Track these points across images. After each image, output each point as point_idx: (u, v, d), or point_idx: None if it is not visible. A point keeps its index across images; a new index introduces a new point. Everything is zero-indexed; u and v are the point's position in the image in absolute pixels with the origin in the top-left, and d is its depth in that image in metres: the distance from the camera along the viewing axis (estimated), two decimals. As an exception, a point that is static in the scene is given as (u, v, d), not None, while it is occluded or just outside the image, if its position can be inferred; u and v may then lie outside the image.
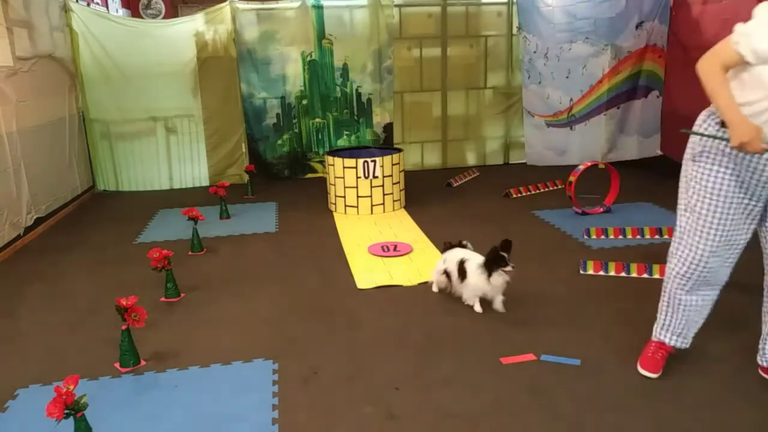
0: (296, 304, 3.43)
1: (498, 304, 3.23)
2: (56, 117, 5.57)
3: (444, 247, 3.59)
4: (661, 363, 2.55)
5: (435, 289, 3.53)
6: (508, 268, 3.08)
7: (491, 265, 3.11)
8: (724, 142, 2.17)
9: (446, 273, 3.37)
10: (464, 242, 3.53)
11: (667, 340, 2.56)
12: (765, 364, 2.47)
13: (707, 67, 2.16)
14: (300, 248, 4.40)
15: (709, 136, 2.20)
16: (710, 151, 2.25)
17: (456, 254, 3.37)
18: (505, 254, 3.08)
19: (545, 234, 4.51)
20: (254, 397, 2.48)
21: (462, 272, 3.24)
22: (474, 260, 3.23)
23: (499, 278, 3.11)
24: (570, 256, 3.96)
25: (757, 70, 2.06)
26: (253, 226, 4.98)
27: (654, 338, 2.59)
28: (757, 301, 3.23)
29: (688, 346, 2.57)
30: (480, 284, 3.16)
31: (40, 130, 5.18)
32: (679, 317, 2.50)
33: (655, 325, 2.60)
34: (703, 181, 2.31)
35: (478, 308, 3.23)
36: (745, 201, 2.24)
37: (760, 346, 2.49)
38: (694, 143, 2.32)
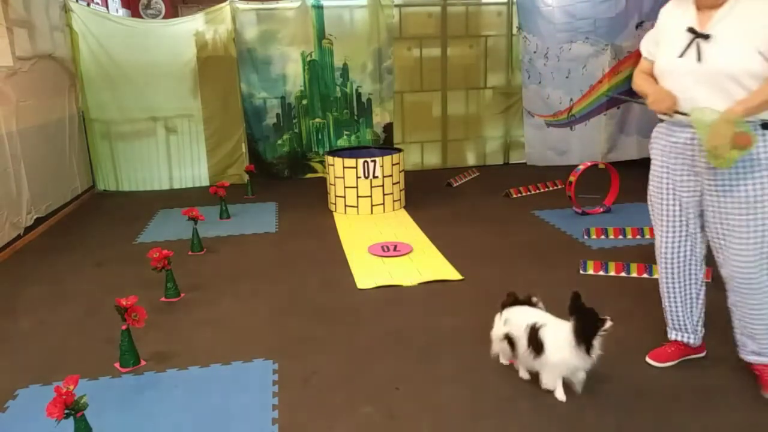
0: (296, 304, 3.43)
1: (579, 381, 2.41)
2: (56, 117, 5.58)
3: (505, 301, 2.63)
4: (670, 357, 2.62)
5: (503, 360, 2.65)
6: (607, 326, 2.31)
7: (590, 334, 2.30)
8: (664, 132, 2.41)
9: (508, 339, 2.49)
10: (534, 298, 2.62)
11: (673, 337, 2.63)
12: (748, 358, 2.46)
13: (633, 76, 2.58)
14: (300, 248, 4.40)
15: (632, 101, 2.41)
16: (653, 144, 2.48)
17: (523, 315, 2.50)
18: (596, 312, 2.31)
19: (545, 234, 4.51)
20: (254, 397, 2.48)
21: (536, 343, 2.37)
22: (554, 327, 2.38)
23: (598, 349, 2.33)
24: (570, 256, 3.96)
25: (656, 65, 2.39)
26: (253, 226, 4.98)
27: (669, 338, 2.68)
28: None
29: (695, 341, 2.61)
30: (572, 361, 2.31)
31: (40, 130, 5.18)
32: (670, 310, 2.60)
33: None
34: (651, 173, 2.51)
35: (561, 395, 2.38)
36: (681, 192, 2.41)
37: (738, 340, 2.49)
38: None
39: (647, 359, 2.64)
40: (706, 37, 2.16)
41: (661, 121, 2.44)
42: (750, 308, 2.33)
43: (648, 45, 2.47)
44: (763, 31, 2.07)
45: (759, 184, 2.17)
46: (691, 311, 2.58)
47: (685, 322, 2.59)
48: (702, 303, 2.60)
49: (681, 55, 2.22)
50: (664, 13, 2.39)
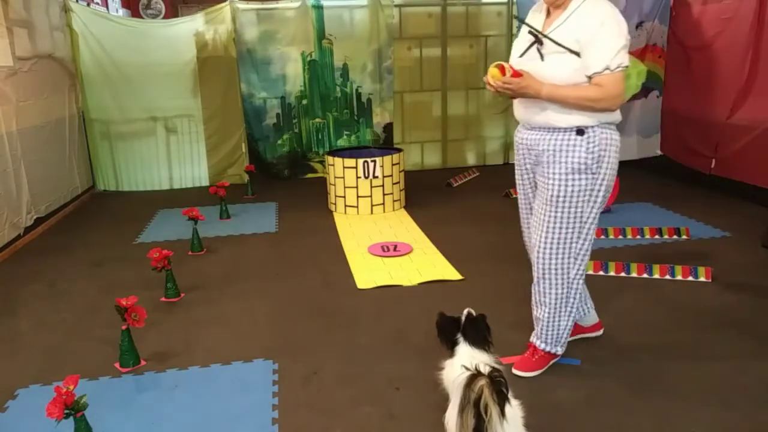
0: (296, 304, 3.43)
1: None
2: (56, 117, 5.57)
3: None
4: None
5: None
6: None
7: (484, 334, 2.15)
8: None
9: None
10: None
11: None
12: (531, 338, 2.61)
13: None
14: (300, 248, 4.40)
15: (527, 25, 2.39)
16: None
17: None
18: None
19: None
20: (254, 397, 2.49)
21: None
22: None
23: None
24: (570, 256, 3.96)
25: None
26: (253, 226, 4.98)
27: None
28: (757, 302, 3.24)
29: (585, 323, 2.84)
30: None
31: (40, 130, 5.18)
32: None
33: None
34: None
35: None
36: (524, 186, 2.61)
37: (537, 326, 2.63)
38: None
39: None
40: (541, 42, 2.29)
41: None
42: (539, 294, 2.52)
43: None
44: (582, 37, 2.21)
45: (563, 185, 2.32)
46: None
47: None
48: (583, 286, 2.67)
49: (521, 55, 2.38)
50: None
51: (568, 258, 2.43)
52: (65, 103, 5.79)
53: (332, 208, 5.43)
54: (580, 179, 2.31)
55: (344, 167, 5.20)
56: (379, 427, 2.28)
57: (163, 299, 3.51)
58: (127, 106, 6.29)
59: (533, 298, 2.60)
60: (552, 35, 2.26)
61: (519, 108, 2.46)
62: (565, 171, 2.31)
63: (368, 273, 3.83)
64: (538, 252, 2.46)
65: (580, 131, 2.28)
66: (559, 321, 2.54)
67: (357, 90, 6.73)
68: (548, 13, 2.35)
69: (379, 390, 2.51)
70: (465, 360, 1.97)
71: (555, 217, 2.37)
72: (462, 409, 1.78)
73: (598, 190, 2.35)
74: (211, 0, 6.50)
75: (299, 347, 2.90)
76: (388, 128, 6.90)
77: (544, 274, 2.48)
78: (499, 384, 1.71)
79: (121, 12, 8.22)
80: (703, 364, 2.63)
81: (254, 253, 4.35)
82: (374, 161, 5.16)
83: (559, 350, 2.60)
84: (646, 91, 6.64)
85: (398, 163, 5.34)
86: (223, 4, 6.20)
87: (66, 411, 2.03)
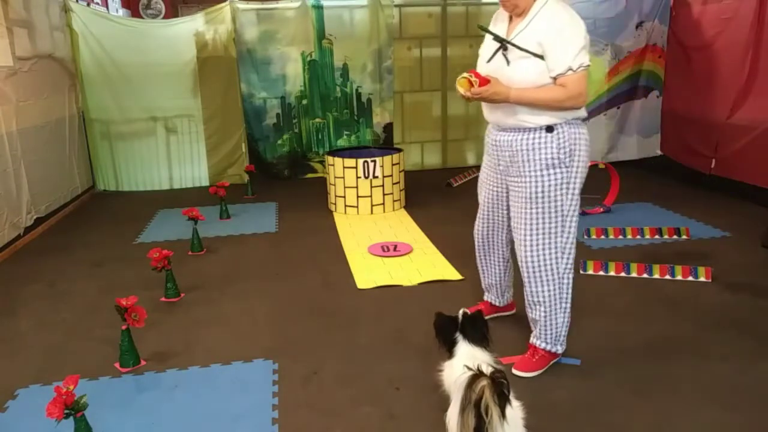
0: (296, 304, 3.43)
1: None
2: (56, 117, 5.57)
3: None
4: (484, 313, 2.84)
5: None
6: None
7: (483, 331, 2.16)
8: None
9: None
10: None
11: (485, 298, 3.11)
12: (531, 340, 2.67)
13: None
14: (300, 248, 4.40)
15: (491, 33, 2.50)
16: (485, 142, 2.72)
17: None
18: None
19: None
20: (254, 397, 2.48)
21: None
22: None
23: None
24: (570, 256, 3.96)
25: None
26: (253, 226, 4.98)
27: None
28: (757, 302, 3.24)
29: (501, 303, 3.07)
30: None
31: (40, 130, 5.18)
32: (483, 278, 3.06)
33: None
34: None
35: None
36: (495, 184, 2.69)
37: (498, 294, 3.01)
38: None
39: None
40: (505, 47, 2.41)
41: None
42: (531, 295, 2.58)
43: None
44: (544, 41, 2.32)
45: (539, 181, 2.41)
46: (498, 281, 2.98)
47: (492, 288, 3.03)
48: (508, 275, 2.98)
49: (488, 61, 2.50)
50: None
51: (555, 253, 2.48)
52: (65, 103, 5.79)
53: (332, 208, 5.43)
54: (555, 173, 2.40)
55: (344, 167, 5.20)
56: (379, 427, 2.28)
57: (163, 299, 3.51)
58: (127, 106, 6.29)
59: (526, 300, 2.63)
60: (515, 41, 2.37)
61: (489, 111, 2.55)
62: (540, 167, 2.41)
63: (368, 273, 3.83)
64: (525, 252, 2.51)
65: (550, 128, 2.39)
66: (556, 318, 2.56)
67: (357, 90, 6.73)
68: (510, 20, 2.47)
69: (379, 390, 2.51)
70: (466, 359, 1.97)
71: (536, 213, 2.44)
72: (463, 410, 1.78)
73: (574, 183, 2.44)
74: (211, 0, 6.50)
75: (299, 347, 2.90)
76: (388, 128, 6.90)
77: (534, 272, 2.52)
78: (501, 385, 1.71)
79: (121, 12, 8.22)
80: (703, 364, 2.63)
81: (254, 253, 4.35)
82: (374, 161, 5.16)
83: (560, 349, 2.62)
84: (646, 91, 6.65)
85: (398, 163, 5.34)
86: (223, 4, 6.20)
87: (66, 411, 2.03)
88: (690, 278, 3.52)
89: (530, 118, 2.39)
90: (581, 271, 3.71)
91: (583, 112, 2.44)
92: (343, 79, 6.67)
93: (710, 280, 3.49)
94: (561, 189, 2.41)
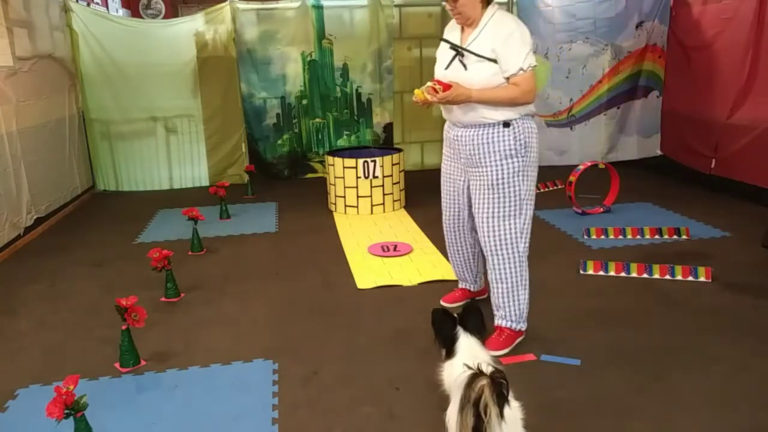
0: (296, 304, 3.43)
1: None
2: (56, 117, 5.57)
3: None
4: (457, 299, 3.30)
5: None
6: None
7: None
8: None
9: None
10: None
11: (460, 286, 3.34)
12: (497, 322, 2.87)
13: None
14: (300, 248, 4.40)
15: (449, 42, 2.77)
16: (444, 137, 3.03)
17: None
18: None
19: (545, 234, 4.51)
20: (254, 397, 2.49)
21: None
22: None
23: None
24: (570, 256, 3.96)
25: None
26: (253, 226, 4.98)
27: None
28: (757, 302, 3.24)
29: (475, 288, 3.30)
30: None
31: (40, 130, 5.18)
32: (454, 266, 3.28)
33: None
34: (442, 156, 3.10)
35: None
36: (456, 175, 2.96)
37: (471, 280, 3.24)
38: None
39: (441, 301, 3.28)
40: (462, 54, 2.69)
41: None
42: (495, 274, 2.80)
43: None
44: (497, 47, 2.60)
45: (499, 169, 2.67)
46: (469, 267, 3.20)
47: (465, 275, 3.24)
48: (477, 261, 3.18)
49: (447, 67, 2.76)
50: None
51: (514, 232, 2.73)
52: (65, 103, 5.79)
53: (332, 208, 5.43)
54: (513, 162, 2.68)
55: (344, 167, 5.20)
56: (379, 427, 2.28)
57: (163, 299, 3.51)
58: (127, 106, 6.29)
59: (490, 282, 2.85)
60: (471, 48, 2.66)
61: (447, 111, 2.84)
62: (499, 157, 2.68)
63: (368, 273, 3.83)
64: (488, 233, 2.76)
65: (506, 124, 2.67)
66: (517, 296, 2.80)
67: (357, 90, 6.73)
68: (462, 29, 2.75)
69: (379, 390, 2.51)
70: (467, 357, 1.99)
71: (497, 198, 2.71)
72: (462, 408, 1.78)
73: (529, 171, 2.73)
74: (211, 0, 6.50)
75: (299, 347, 2.90)
76: (388, 128, 6.90)
77: (495, 251, 2.76)
78: (500, 385, 1.71)
79: (121, 12, 8.22)
80: (703, 364, 2.63)
81: (254, 253, 4.35)
82: (374, 161, 5.16)
83: (523, 326, 2.85)
84: (646, 91, 6.65)
85: (398, 163, 5.34)
86: (223, 4, 6.20)
87: (66, 411, 2.03)
88: (690, 278, 3.52)
89: (489, 114, 2.66)
90: (581, 271, 3.71)
91: (532, 108, 2.73)
92: (343, 79, 6.67)
93: (710, 280, 3.49)
94: (518, 176, 2.68)
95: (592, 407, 2.34)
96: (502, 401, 1.73)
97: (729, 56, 5.22)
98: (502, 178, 2.68)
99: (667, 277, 3.56)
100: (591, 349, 2.77)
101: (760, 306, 3.17)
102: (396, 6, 6.57)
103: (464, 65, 2.68)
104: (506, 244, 2.73)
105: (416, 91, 2.67)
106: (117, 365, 2.76)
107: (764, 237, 4.08)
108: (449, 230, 3.13)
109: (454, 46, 2.73)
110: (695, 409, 2.32)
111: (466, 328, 2.15)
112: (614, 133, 6.78)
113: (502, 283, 2.78)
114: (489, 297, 2.92)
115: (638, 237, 4.31)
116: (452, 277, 3.71)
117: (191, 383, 2.62)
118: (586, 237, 4.37)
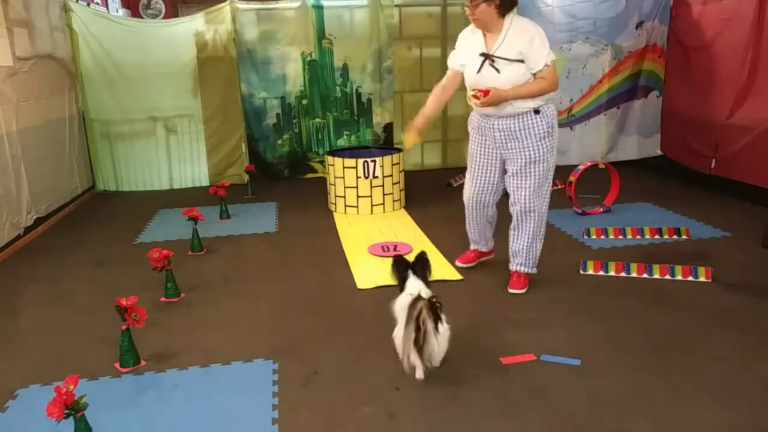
0: (296, 304, 3.43)
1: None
2: (56, 117, 5.57)
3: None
4: (470, 260, 3.86)
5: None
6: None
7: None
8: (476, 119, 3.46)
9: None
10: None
11: (472, 247, 3.86)
12: (516, 268, 3.49)
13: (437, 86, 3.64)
14: (300, 248, 4.40)
15: (486, 55, 3.22)
16: (471, 125, 3.50)
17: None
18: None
19: (545, 234, 4.50)
20: (254, 397, 2.49)
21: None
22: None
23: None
24: (570, 256, 3.96)
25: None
26: (253, 226, 4.98)
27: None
28: (757, 302, 3.25)
29: (486, 249, 3.86)
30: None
31: (40, 130, 5.18)
32: (470, 231, 3.78)
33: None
34: (470, 141, 3.54)
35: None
36: (488, 158, 3.44)
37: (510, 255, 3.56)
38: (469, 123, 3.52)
39: (456, 262, 3.86)
40: (493, 60, 3.13)
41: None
42: (518, 227, 3.41)
43: (452, 61, 3.47)
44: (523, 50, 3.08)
45: (535, 149, 3.22)
46: (483, 234, 3.75)
47: (479, 240, 3.78)
48: (492, 227, 3.74)
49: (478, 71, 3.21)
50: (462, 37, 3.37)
51: (543, 198, 3.35)
52: (65, 103, 5.79)
53: (332, 208, 5.43)
54: (546, 143, 3.24)
55: (344, 167, 5.20)
56: (379, 427, 2.28)
57: (163, 299, 3.51)
58: (127, 106, 6.29)
59: (512, 234, 3.46)
60: (499, 53, 3.11)
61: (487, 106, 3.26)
62: (536, 139, 3.21)
63: (368, 273, 3.83)
64: (523, 199, 3.32)
65: (537, 111, 3.18)
66: (536, 246, 3.43)
67: (357, 90, 6.73)
68: (484, 35, 3.17)
69: (379, 390, 2.51)
70: (412, 290, 2.56)
71: (534, 171, 3.27)
72: (406, 324, 2.36)
73: (555, 148, 3.31)
74: (211, 0, 6.50)
75: (299, 347, 2.90)
76: (388, 128, 6.90)
77: (528, 212, 3.34)
78: (435, 306, 2.31)
79: (121, 12, 8.22)
80: (703, 364, 2.63)
81: (254, 253, 4.35)
82: (374, 161, 5.16)
83: (535, 271, 3.49)
84: (646, 91, 6.65)
85: (398, 163, 5.34)
86: (223, 4, 6.20)
87: (66, 411, 2.03)
88: (690, 278, 3.52)
89: (523, 104, 3.16)
90: (581, 271, 3.71)
91: (553, 94, 3.24)
92: (343, 79, 6.67)
93: (710, 280, 3.49)
94: (550, 153, 3.27)
95: (592, 407, 2.34)
96: (436, 318, 2.31)
97: (729, 56, 5.22)
98: (538, 156, 3.23)
99: (667, 277, 3.56)
100: (591, 349, 2.77)
101: (760, 306, 3.17)
102: (396, 6, 6.57)
103: (497, 69, 3.13)
104: (536, 206, 3.31)
105: (405, 137, 3.56)
106: (117, 365, 2.76)
107: (764, 237, 4.08)
108: (473, 205, 3.58)
109: (483, 53, 3.16)
110: (695, 409, 2.32)
111: (415, 272, 2.68)
112: (614, 133, 6.78)
113: (526, 235, 3.38)
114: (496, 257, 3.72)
115: (638, 237, 4.31)
116: (452, 277, 3.73)
117: (191, 383, 2.62)
118: (586, 237, 4.37)
